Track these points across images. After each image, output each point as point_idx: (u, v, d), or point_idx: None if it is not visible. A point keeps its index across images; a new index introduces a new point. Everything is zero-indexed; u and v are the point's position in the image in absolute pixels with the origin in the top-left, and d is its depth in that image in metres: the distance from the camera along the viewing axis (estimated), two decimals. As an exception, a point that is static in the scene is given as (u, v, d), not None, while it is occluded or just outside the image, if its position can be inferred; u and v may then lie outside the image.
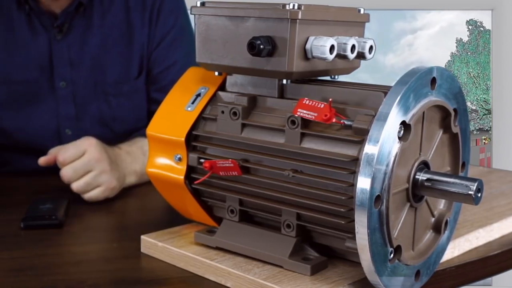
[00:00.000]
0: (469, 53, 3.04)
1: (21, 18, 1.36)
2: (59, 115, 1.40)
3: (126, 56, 1.42)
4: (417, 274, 0.78)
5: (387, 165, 0.70)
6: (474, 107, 3.06)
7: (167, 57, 1.45)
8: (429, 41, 2.97)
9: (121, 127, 1.44)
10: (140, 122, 1.46)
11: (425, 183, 0.75)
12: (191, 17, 0.87)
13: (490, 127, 2.85)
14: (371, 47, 0.84)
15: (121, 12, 1.41)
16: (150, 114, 1.45)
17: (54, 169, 1.42)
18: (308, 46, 0.80)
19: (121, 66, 1.42)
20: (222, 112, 0.85)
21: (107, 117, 1.43)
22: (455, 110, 0.79)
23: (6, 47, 1.37)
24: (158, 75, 1.45)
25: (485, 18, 2.95)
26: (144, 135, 0.96)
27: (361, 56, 0.84)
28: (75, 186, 1.12)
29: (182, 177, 0.88)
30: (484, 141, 3.03)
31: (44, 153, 1.28)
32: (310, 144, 0.79)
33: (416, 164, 0.75)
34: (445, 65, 3.05)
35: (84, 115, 1.41)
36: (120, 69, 1.42)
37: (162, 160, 0.90)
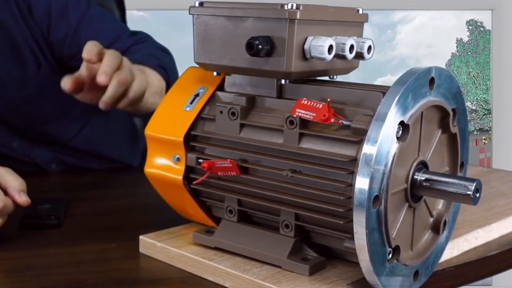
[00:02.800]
0: (469, 53, 3.04)
1: None
2: (2, 144, 1.38)
3: (16, 58, 1.34)
4: (416, 274, 0.78)
5: (386, 165, 0.70)
6: (474, 107, 3.06)
7: (65, 28, 1.37)
8: (409, 36, 2.97)
9: (56, 127, 1.41)
10: (75, 107, 1.41)
11: (424, 183, 0.75)
12: (189, 17, 0.87)
13: (490, 127, 2.85)
14: (369, 47, 0.84)
15: None
16: None
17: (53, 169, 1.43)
18: (306, 46, 0.80)
19: (17, 72, 1.34)
20: (221, 112, 0.85)
21: (37, 126, 1.40)
22: (453, 110, 0.79)
23: None
24: (72, 49, 1.37)
25: (485, 18, 2.95)
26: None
27: (359, 56, 0.84)
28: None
29: (180, 177, 0.88)
30: (484, 141, 3.03)
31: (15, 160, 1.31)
32: (308, 144, 0.79)
33: (414, 164, 0.75)
34: (446, 65, 3.05)
35: (17, 131, 1.38)
36: (18, 75, 1.35)
37: (161, 160, 0.90)
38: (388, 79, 2.80)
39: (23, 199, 0.93)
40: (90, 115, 1.46)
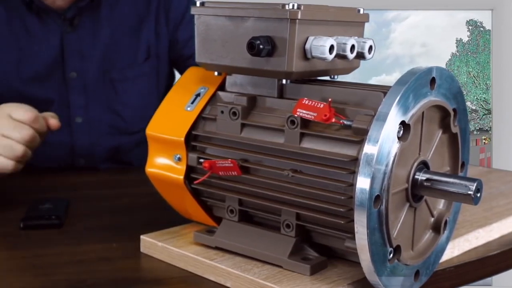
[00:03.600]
0: (469, 53, 3.04)
1: (33, 18, 1.41)
2: (70, 105, 1.44)
3: (134, 45, 1.48)
4: (417, 274, 0.78)
5: (387, 165, 0.70)
6: (474, 107, 3.05)
7: (193, 30, 1.52)
8: (403, 35, 2.97)
9: (129, 113, 1.49)
10: (149, 109, 1.48)
11: (425, 183, 0.75)
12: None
13: (490, 127, 2.85)
14: (370, 47, 0.84)
15: (128, 3, 1.47)
16: None
17: (53, 168, 1.43)
18: (307, 46, 0.80)
19: (128, 55, 1.48)
20: (222, 112, 0.85)
21: (114, 103, 1.48)
22: (454, 110, 0.79)
23: (20, 46, 1.41)
24: (192, 48, 1.53)
25: (485, 18, 2.95)
26: None
27: (360, 56, 0.84)
28: None
29: (181, 177, 0.88)
30: (484, 141, 3.02)
31: (54, 142, 1.36)
32: (309, 144, 0.79)
33: (415, 164, 0.75)
34: (446, 65, 3.05)
35: (93, 103, 1.46)
36: (127, 58, 1.48)
37: (162, 160, 0.90)
38: (383, 79, 2.79)
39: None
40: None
